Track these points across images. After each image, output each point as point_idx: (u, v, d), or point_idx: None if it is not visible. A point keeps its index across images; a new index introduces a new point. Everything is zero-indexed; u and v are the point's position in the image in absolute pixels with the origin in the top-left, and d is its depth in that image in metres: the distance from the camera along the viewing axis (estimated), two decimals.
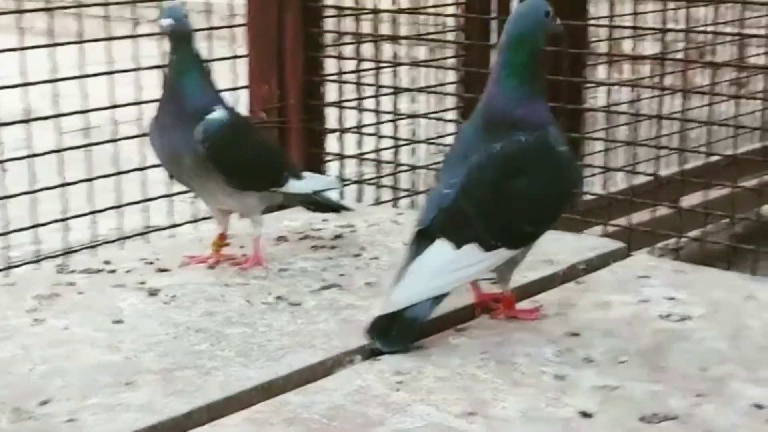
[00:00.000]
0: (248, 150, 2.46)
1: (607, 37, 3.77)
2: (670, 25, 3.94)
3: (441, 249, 2.01)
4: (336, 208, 2.70)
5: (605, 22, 3.74)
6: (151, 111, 2.47)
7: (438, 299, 2.01)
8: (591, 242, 2.64)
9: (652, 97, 4.15)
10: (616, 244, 2.59)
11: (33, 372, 1.88)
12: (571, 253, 2.50)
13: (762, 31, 4.74)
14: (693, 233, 3.26)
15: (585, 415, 1.75)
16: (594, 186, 3.63)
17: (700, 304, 2.22)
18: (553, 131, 2.07)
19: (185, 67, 2.37)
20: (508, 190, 2.03)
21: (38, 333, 2.06)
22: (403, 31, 3.43)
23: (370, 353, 1.99)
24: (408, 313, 1.99)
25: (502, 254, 2.04)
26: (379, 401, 1.79)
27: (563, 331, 2.09)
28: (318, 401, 1.79)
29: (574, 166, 2.12)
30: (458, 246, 2.00)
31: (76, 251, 2.83)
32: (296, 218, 2.79)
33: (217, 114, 2.37)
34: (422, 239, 2.04)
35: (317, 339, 2.03)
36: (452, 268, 2.00)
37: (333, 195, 2.83)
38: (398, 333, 1.99)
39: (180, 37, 2.35)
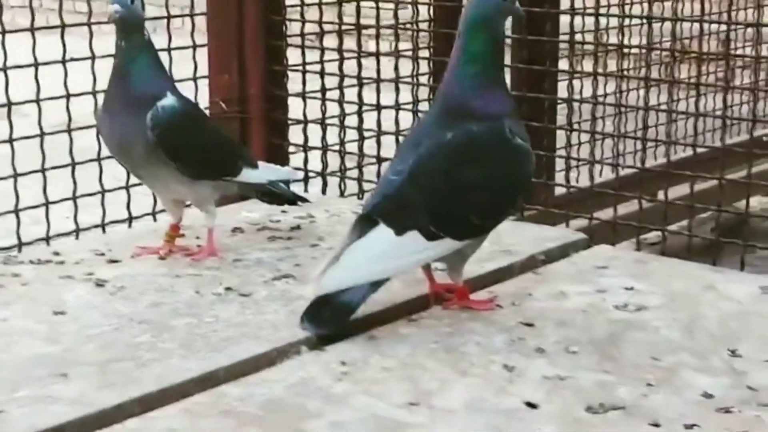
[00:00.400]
0: (200, 137, 2.42)
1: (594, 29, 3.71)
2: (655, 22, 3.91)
3: (381, 235, 1.96)
4: (292, 199, 2.64)
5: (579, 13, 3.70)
6: None
7: (376, 285, 1.96)
8: (551, 233, 2.60)
9: (630, 90, 4.14)
10: (577, 235, 2.55)
11: None
12: (531, 244, 2.45)
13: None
14: (674, 227, 3.23)
15: (530, 405, 1.71)
16: (565, 178, 3.58)
17: (657, 294, 2.19)
18: (509, 122, 2.01)
19: (135, 53, 2.32)
20: (456, 180, 1.98)
21: None
22: (372, 20, 3.38)
23: (316, 343, 1.94)
24: (342, 296, 1.94)
25: (447, 244, 1.99)
26: (321, 393, 1.75)
27: (517, 321, 2.05)
28: (257, 393, 1.74)
29: (529, 159, 2.03)
30: (399, 233, 1.95)
31: (28, 243, 2.77)
32: (255, 209, 2.74)
33: (168, 100, 2.33)
34: (364, 225, 1.99)
35: (264, 330, 1.99)
36: (392, 255, 1.96)
37: (295, 187, 2.78)
38: (330, 316, 1.95)
39: (128, 23, 2.31)
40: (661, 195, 2.94)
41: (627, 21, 3.59)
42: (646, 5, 4.17)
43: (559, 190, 3.45)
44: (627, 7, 3.69)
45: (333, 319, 1.95)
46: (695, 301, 2.15)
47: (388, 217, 1.97)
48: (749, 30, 4.92)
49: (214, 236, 2.43)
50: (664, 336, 1.98)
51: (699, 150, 3.28)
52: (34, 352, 1.87)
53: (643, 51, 4.07)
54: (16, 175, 2.76)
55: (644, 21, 3.68)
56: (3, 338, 1.94)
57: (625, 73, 3.82)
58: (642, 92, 3.32)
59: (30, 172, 2.80)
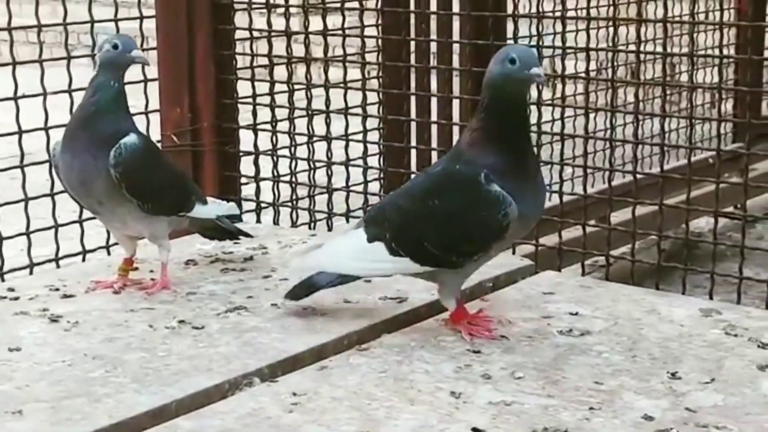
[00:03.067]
0: (160, 174, 2.47)
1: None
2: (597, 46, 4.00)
3: (357, 237, 2.17)
4: (235, 233, 2.69)
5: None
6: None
7: (344, 279, 2.19)
8: (499, 260, 2.63)
9: (578, 115, 4.22)
10: (524, 262, 2.61)
11: None
12: (479, 271, 2.49)
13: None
14: (623, 249, 3.29)
15: (476, 431, 1.75)
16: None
17: (601, 319, 2.24)
18: (490, 172, 2.05)
19: (113, 93, 2.37)
20: (416, 206, 2.13)
21: None
22: (319, 52, 3.44)
23: (268, 375, 1.98)
24: (314, 276, 2.21)
25: (406, 264, 2.13)
26: (271, 423, 1.78)
27: (464, 348, 2.10)
28: (208, 425, 1.77)
29: (497, 207, 2.05)
30: (369, 240, 2.15)
31: None
32: (208, 242, 2.77)
33: (131, 138, 2.37)
34: (357, 225, 2.23)
35: (216, 362, 2.02)
36: (362, 258, 2.16)
37: (248, 218, 2.82)
38: (297, 288, 2.24)
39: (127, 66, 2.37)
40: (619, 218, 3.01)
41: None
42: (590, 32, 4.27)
43: None
44: (569, 35, 3.76)
45: (299, 291, 2.23)
46: (637, 324, 2.21)
47: (367, 224, 2.18)
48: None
49: (167, 270, 2.47)
50: (607, 359, 2.04)
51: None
52: None
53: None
54: None
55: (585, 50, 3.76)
56: None
57: (568, 100, 3.89)
58: (586, 118, 3.40)
59: None
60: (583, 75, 3.49)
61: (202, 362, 2.02)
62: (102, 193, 2.37)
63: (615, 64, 3.27)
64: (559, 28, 3.47)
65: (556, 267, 2.80)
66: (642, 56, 4.19)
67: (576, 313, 2.27)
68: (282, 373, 1.99)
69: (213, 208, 2.61)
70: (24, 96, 2.88)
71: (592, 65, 4.30)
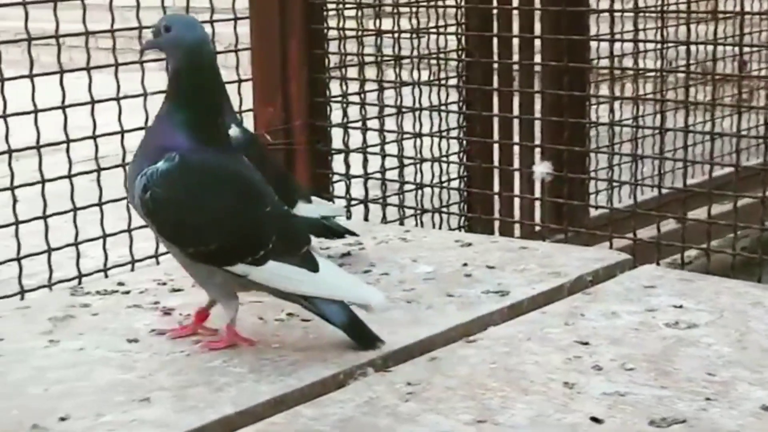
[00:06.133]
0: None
1: (608, 54, 3.79)
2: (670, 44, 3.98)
3: None
4: (341, 233, 2.70)
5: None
6: None
7: None
8: (596, 254, 2.66)
9: (654, 113, 4.22)
10: (622, 256, 2.61)
11: (48, 392, 1.90)
12: (577, 265, 2.52)
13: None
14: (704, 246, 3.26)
15: (595, 420, 1.77)
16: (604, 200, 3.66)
17: (706, 311, 2.24)
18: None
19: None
20: None
21: (53, 354, 2.08)
22: (405, 51, 3.48)
23: (381, 365, 2.01)
24: None
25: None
26: (389, 411, 1.82)
27: (571, 340, 2.11)
28: (329, 413, 1.81)
29: None
30: None
31: (88, 275, 2.86)
32: None
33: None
34: None
35: (329, 353, 2.05)
36: None
37: (341, 219, 2.84)
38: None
39: None
40: (696, 213, 3.00)
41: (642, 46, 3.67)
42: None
43: (594, 211, 3.54)
44: (641, 33, 3.77)
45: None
46: (744, 317, 2.21)
47: None
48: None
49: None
50: (717, 351, 2.04)
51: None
52: (112, 379, 1.95)
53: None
54: (75, 209, 2.85)
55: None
56: (81, 366, 2.01)
57: (665, 96, 3.88)
58: (681, 115, 3.39)
59: (89, 206, 2.90)
60: (683, 70, 3.47)
61: (315, 353, 2.06)
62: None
63: (715, 57, 3.25)
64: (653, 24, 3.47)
65: (652, 260, 2.80)
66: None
67: (680, 306, 2.28)
68: (394, 363, 2.02)
69: (317, 208, 2.61)
70: (126, 96, 2.96)
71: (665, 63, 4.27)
